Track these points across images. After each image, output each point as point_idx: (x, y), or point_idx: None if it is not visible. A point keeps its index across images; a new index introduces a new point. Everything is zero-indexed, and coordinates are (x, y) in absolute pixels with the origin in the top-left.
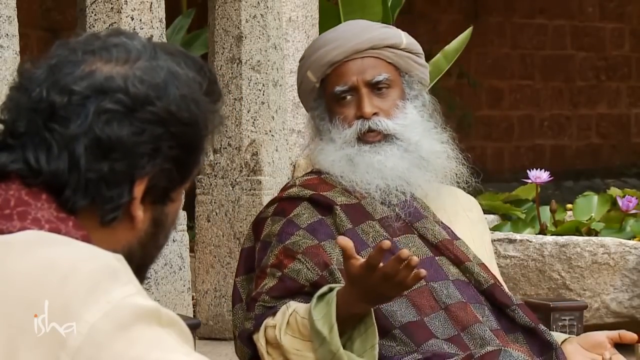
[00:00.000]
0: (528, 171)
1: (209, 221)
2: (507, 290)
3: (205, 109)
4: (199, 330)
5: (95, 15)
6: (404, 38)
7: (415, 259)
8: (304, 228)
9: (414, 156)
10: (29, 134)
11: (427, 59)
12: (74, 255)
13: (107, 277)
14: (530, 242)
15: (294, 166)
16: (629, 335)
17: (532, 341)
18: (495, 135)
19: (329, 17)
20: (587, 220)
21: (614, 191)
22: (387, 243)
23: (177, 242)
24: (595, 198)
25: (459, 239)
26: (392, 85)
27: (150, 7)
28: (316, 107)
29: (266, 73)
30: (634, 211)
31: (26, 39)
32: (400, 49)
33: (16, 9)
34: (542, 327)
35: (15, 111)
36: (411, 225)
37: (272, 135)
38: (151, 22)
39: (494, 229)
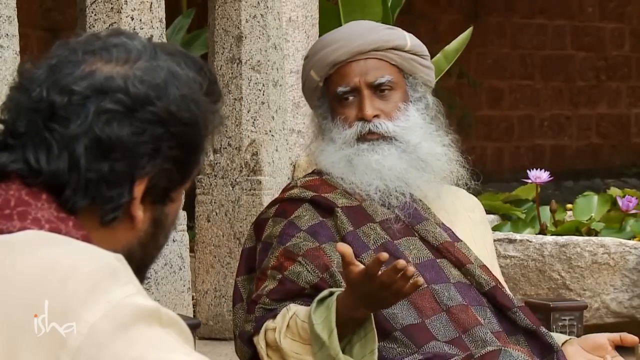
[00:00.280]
0: (528, 171)
1: (209, 221)
2: (508, 292)
3: (205, 109)
4: (199, 330)
5: (95, 15)
6: (409, 40)
7: (411, 269)
8: (304, 230)
9: (412, 157)
10: (29, 134)
11: None
12: (74, 255)
13: (108, 277)
14: (530, 242)
15: (294, 166)
16: (630, 338)
17: (533, 344)
18: (495, 135)
19: (329, 17)
20: (587, 220)
21: (614, 191)
22: (384, 255)
23: (177, 242)
24: (595, 198)
25: (460, 240)
26: (394, 87)
27: (150, 7)
28: (319, 105)
29: (266, 73)
30: (634, 211)
31: (26, 39)
32: (405, 51)
33: (16, 9)
34: (543, 329)
35: (16, 111)
36: (412, 227)
37: (272, 135)
38: (151, 22)
39: (494, 229)
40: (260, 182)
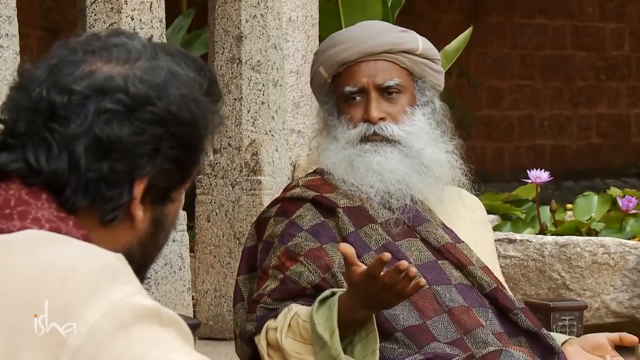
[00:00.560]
0: (528, 171)
1: (209, 221)
2: (510, 293)
3: (205, 109)
4: (199, 330)
5: (95, 15)
6: (421, 43)
7: (413, 270)
8: (306, 230)
9: (414, 162)
10: (29, 133)
11: None
12: (74, 254)
13: (108, 277)
14: (530, 242)
15: (294, 166)
16: (630, 338)
17: (534, 345)
18: (495, 135)
19: (329, 17)
20: (587, 220)
21: (614, 191)
22: (387, 256)
23: (177, 242)
24: (595, 198)
25: (462, 242)
26: (402, 90)
27: (150, 7)
28: (326, 101)
29: (266, 73)
30: (634, 211)
31: (26, 39)
32: (416, 55)
33: (16, 9)
34: (544, 331)
35: (16, 111)
36: (413, 228)
37: (272, 135)
38: (151, 22)
39: (494, 229)
40: (260, 182)
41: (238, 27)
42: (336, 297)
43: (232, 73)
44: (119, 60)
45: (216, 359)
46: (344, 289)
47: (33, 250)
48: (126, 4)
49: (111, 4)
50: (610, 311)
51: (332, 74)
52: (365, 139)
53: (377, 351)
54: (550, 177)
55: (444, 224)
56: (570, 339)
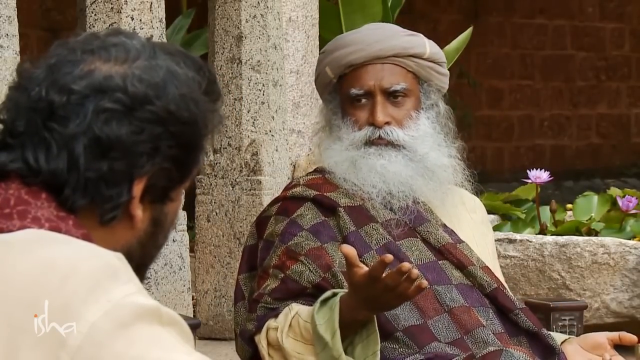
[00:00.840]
0: (528, 171)
1: (209, 221)
2: (510, 294)
3: (205, 109)
4: (199, 330)
5: (95, 15)
6: (428, 47)
7: (415, 272)
8: (307, 229)
9: (418, 166)
10: (28, 133)
11: None
12: (74, 254)
13: (108, 276)
14: (530, 242)
15: (294, 166)
16: (629, 337)
17: (535, 345)
18: (495, 135)
19: (329, 17)
20: (587, 220)
21: (614, 191)
22: (389, 257)
23: (177, 242)
24: (595, 198)
25: (463, 242)
26: (408, 94)
27: (150, 7)
28: (330, 100)
29: (266, 73)
30: (634, 211)
31: (26, 39)
32: (423, 59)
33: (16, 9)
34: (545, 331)
35: (15, 111)
36: (414, 228)
37: (272, 135)
38: (151, 22)
39: (494, 229)
40: (260, 182)
41: (238, 27)
42: (337, 298)
43: (232, 73)
44: (117, 60)
45: (216, 359)
46: (346, 290)
47: (33, 250)
48: (126, 4)
49: (111, 4)
50: (610, 311)
51: (338, 74)
52: (370, 142)
53: (378, 352)
54: (550, 177)
55: (444, 225)
56: (569, 338)
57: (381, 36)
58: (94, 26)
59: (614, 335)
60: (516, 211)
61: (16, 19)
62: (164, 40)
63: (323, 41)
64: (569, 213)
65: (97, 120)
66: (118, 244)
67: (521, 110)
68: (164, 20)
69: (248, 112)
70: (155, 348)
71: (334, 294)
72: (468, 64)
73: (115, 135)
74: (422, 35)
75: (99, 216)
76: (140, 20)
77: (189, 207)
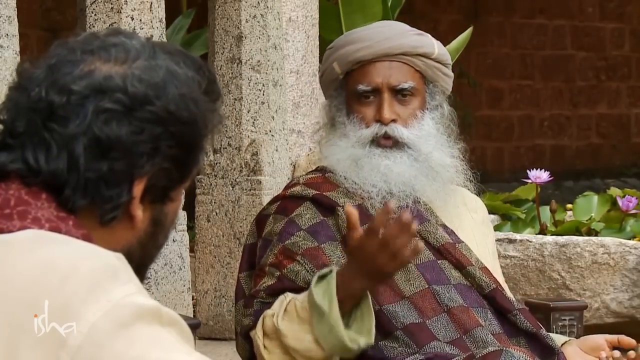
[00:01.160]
0: (528, 171)
1: (209, 221)
2: (509, 294)
3: (205, 108)
4: (199, 330)
5: (95, 15)
6: (437, 48)
7: (415, 225)
8: (304, 229)
9: (423, 166)
10: (28, 133)
11: None
12: (74, 254)
13: (108, 276)
14: (530, 242)
15: (294, 166)
16: (628, 340)
17: (534, 346)
18: (495, 135)
19: (329, 17)
20: (587, 220)
21: (614, 191)
22: (392, 204)
23: (177, 242)
24: (595, 198)
25: (462, 242)
26: (415, 93)
27: (150, 7)
28: (336, 96)
29: (266, 73)
30: (634, 211)
31: (26, 39)
32: (431, 59)
33: (16, 9)
34: (543, 332)
35: (15, 111)
36: None
37: (272, 135)
38: (151, 22)
39: (494, 229)
40: (260, 182)
41: (238, 27)
42: (334, 273)
43: (232, 73)
44: (117, 60)
45: (216, 359)
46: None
47: (33, 250)
48: (126, 4)
49: (111, 4)
50: (610, 311)
51: (346, 70)
52: (376, 141)
53: (373, 329)
54: (550, 177)
55: (444, 224)
56: (569, 340)
57: (391, 34)
58: (94, 26)
59: (613, 337)
60: (516, 211)
61: (16, 19)
62: (164, 40)
63: (323, 41)
64: (569, 213)
65: (97, 121)
66: (118, 244)
67: (521, 110)
68: (164, 20)
69: (248, 112)
70: (155, 348)
71: (331, 271)
72: (468, 64)
73: (115, 135)
74: (430, 35)
75: (99, 216)
76: (140, 20)
77: (189, 207)
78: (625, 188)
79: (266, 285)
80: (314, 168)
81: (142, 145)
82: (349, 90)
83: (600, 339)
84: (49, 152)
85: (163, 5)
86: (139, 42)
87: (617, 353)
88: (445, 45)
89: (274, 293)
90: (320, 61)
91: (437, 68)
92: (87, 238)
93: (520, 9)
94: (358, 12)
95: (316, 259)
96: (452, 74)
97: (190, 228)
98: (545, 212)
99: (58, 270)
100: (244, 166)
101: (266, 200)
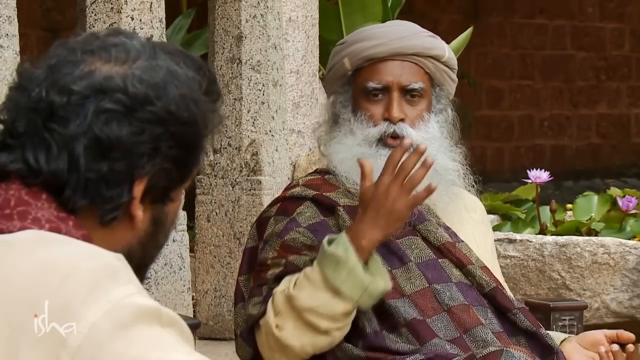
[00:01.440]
0: (528, 171)
1: (209, 221)
2: (509, 293)
3: (205, 109)
4: (199, 330)
5: (95, 15)
6: (447, 52)
7: (424, 145)
8: (304, 227)
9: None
10: (28, 134)
11: None
12: (74, 254)
13: (108, 277)
14: (530, 242)
15: (294, 166)
16: (627, 335)
17: (533, 345)
18: (495, 135)
19: (329, 17)
20: (587, 220)
21: (614, 191)
22: (407, 143)
23: (177, 242)
24: (595, 198)
25: (462, 241)
26: (423, 95)
27: (150, 7)
28: (342, 92)
29: (266, 73)
30: (634, 211)
31: (26, 39)
32: (441, 62)
33: (16, 9)
34: (543, 331)
35: (15, 111)
36: (414, 227)
37: (272, 135)
38: (151, 22)
39: (494, 229)
40: (260, 182)
41: (238, 27)
42: (343, 232)
43: (232, 73)
44: (117, 60)
45: (216, 359)
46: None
47: (33, 250)
48: (126, 4)
49: (111, 4)
50: (610, 311)
51: (356, 66)
52: (383, 140)
53: (388, 279)
54: (550, 177)
55: (444, 224)
56: (568, 337)
57: (405, 33)
58: (94, 26)
59: (612, 332)
60: (516, 211)
61: (16, 19)
62: (164, 40)
63: (323, 41)
64: (569, 213)
65: (97, 121)
66: (118, 245)
67: (521, 110)
68: (164, 20)
69: (248, 112)
70: (155, 348)
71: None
72: (468, 64)
73: (116, 135)
74: (440, 39)
75: (100, 217)
76: (140, 20)
77: (189, 207)
78: (625, 188)
79: (273, 273)
80: (313, 169)
81: (142, 146)
82: (358, 87)
83: (599, 334)
84: (49, 152)
85: (163, 5)
86: (139, 42)
87: (615, 347)
88: None
89: (281, 279)
90: (320, 61)
91: (445, 72)
92: (87, 238)
93: (520, 9)
94: (358, 12)
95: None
96: (457, 80)
97: (190, 228)
98: (545, 212)
99: (58, 270)
100: (244, 166)
101: (266, 200)
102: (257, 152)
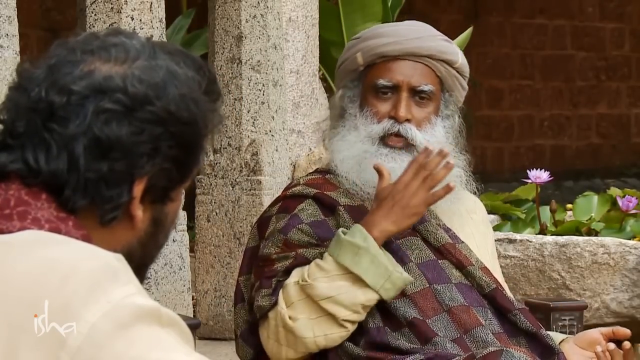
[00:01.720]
0: (528, 171)
1: (209, 221)
2: (509, 294)
3: (205, 109)
4: (199, 330)
5: (95, 15)
6: (460, 58)
7: (446, 150)
8: (306, 223)
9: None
10: (28, 134)
11: None
12: (74, 254)
13: (108, 277)
14: (530, 242)
15: (294, 166)
16: (622, 331)
17: (534, 345)
18: (495, 135)
19: (329, 17)
20: (587, 220)
21: (614, 191)
22: (433, 148)
23: (177, 242)
24: (595, 198)
25: (462, 242)
26: (432, 98)
27: (150, 7)
28: (351, 87)
29: (266, 73)
30: (634, 211)
31: (26, 39)
32: (454, 67)
33: (16, 9)
34: (543, 331)
35: (15, 111)
36: (414, 227)
37: (272, 135)
38: (151, 22)
39: (494, 229)
40: (260, 182)
41: (238, 27)
42: (357, 224)
43: (232, 73)
44: (117, 60)
45: (216, 359)
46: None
47: (33, 250)
48: (126, 4)
49: (111, 4)
50: (610, 311)
51: (368, 63)
52: (386, 138)
53: (402, 269)
54: (550, 177)
55: (444, 225)
56: (566, 337)
57: (421, 34)
58: (94, 26)
59: (608, 330)
60: (516, 211)
61: (16, 19)
62: (164, 40)
63: (323, 41)
64: (569, 213)
65: (97, 121)
66: (118, 245)
67: (521, 110)
68: (164, 20)
69: (248, 112)
70: (155, 349)
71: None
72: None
73: (116, 135)
74: (454, 44)
75: (99, 217)
76: (140, 20)
77: (189, 207)
78: (625, 188)
79: (283, 266)
80: (313, 169)
81: (142, 146)
82: (367, 83)
83: (596, 333)
84: (49, 152)
85: (163, 5)
86: (139, 42)
87: (612, 345)
88: None
89: (290, 272)
90: (320, 61)
91: (456, 78)
92: (87, 238)
93: (520, 9)
94: (358, 12)
95: (323, 247)
96: (467, 88)
97: (190, 228)
98: (545, 212)
99: (58, 270)
100: (244, 166)
101: (266, 200)
102: (257, 152)
